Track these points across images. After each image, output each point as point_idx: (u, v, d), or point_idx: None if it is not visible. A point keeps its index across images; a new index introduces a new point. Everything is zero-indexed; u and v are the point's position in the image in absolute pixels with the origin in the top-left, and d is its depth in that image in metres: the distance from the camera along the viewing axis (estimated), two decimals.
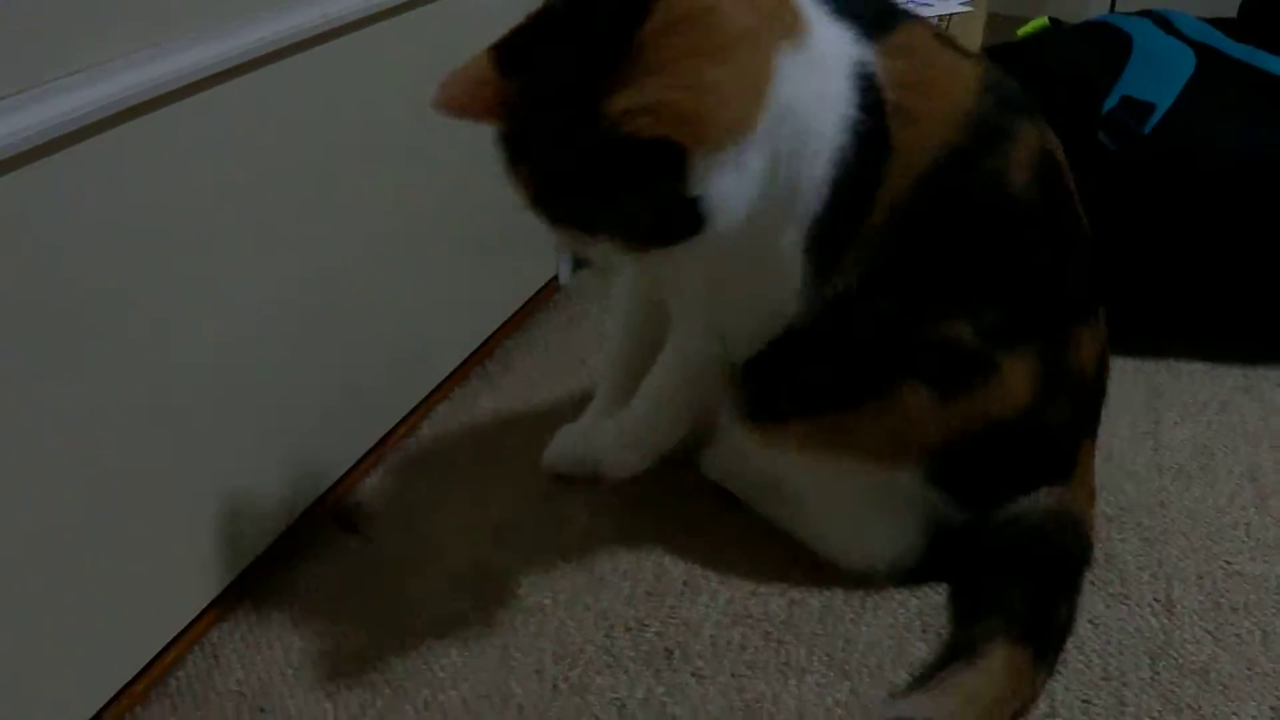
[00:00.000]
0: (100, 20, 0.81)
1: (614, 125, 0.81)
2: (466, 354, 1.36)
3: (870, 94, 0.92)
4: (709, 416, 1.08)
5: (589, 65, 0.83)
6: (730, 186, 0.85)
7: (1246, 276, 1.39)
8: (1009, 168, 0.97)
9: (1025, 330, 0.98)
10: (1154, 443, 1.27)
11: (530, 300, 1.47)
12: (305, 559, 1.09)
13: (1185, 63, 1.43)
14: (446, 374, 1.33)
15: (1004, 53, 1.65)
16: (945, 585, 1.06)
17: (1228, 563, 1.10)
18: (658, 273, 1.04)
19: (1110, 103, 1.38)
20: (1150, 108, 1.36)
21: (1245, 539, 1.13)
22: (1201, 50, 1.46)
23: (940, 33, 1.01)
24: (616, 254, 0.90)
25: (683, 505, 1.15)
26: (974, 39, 1.65)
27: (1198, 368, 1.40)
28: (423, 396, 1.29)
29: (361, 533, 1.12)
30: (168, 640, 0.96)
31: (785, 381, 0.99)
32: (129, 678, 0.92)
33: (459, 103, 0.86)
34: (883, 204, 0.93)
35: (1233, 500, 1.18)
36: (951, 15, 1.72)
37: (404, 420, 1.26)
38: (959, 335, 0.96)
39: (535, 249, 1.48)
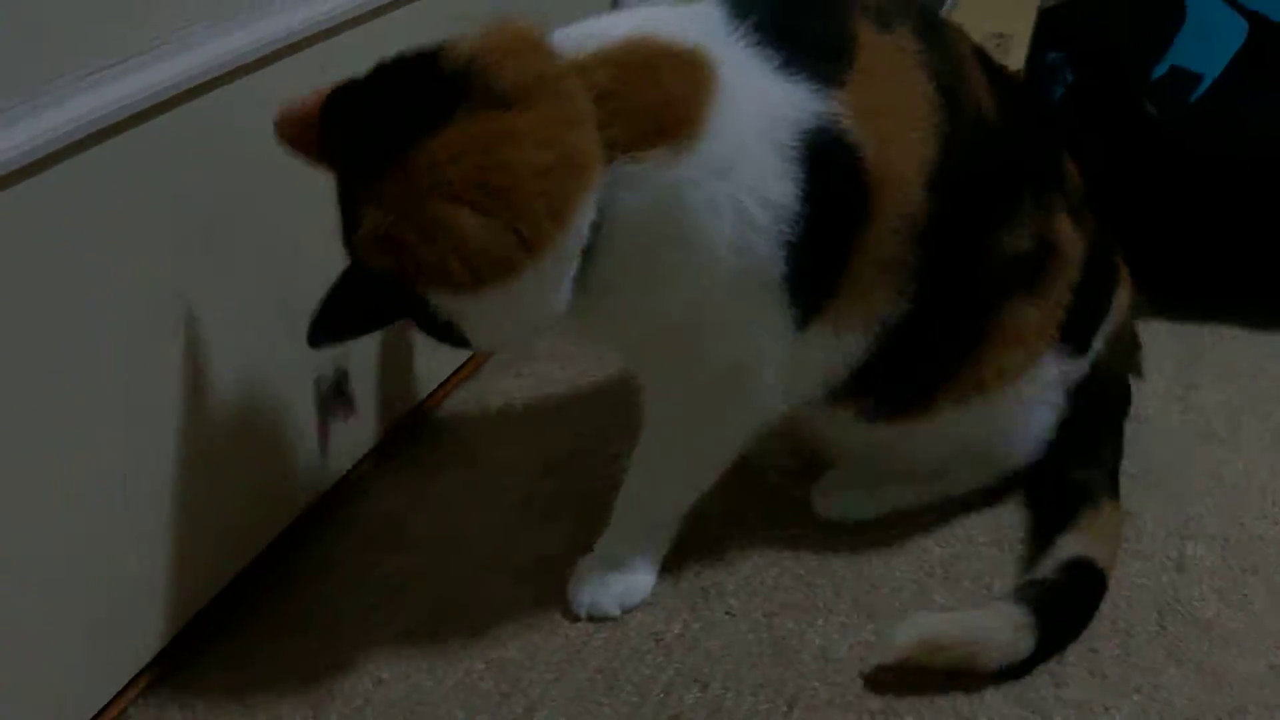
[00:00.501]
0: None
1: (357, 241, 0.82)
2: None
3: (829, 154, 0.89)
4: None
5: (367, 156, 0.81)
6: (491, 319, 0.85)
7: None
8: (979, 103, 0.99)
9: (1047, 201, 1.04)
10: (1183, 405, 1.32)
11: None
12: (366, 500, 1.19)
13: (1236, 33, 1.45)
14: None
15: (1060, 14, 1.67)
16: (963, 538, 1.13)
17: (1243, 524, 1.15)
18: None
19: (1159, 71, 1.41)
20: (1198, 79, 1.40)
21: (1263, 502, 1.18)
22: (1254, 20, 1.48)
23: (879, 12, 0.96)
24: None
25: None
26: None
27: (1236, 333, 1.44)
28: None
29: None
30: (146, 660, 0.98)
31: (903, 374, 1.02)
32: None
33: (287, 135, 0.87)
34: (883, 227, 0.93)
35: (1257, 464, 1.23)
36: None
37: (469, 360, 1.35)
38: (1014, 244, 1.01)
39: None
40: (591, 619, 1.04)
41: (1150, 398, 1.32)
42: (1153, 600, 1.07)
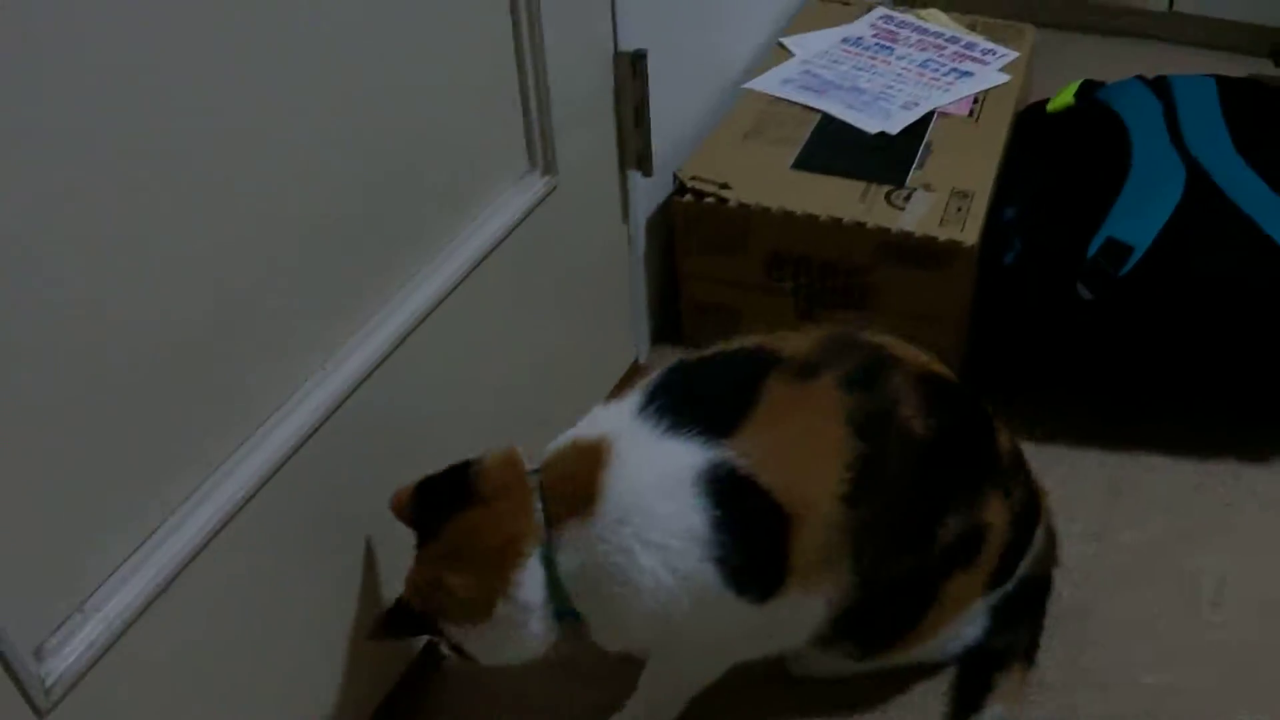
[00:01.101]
0: None
1: (407, 582, 1.19)
2: None
3: (731, 485, 1.14)
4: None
5: (426, 526, 1.18)
6: (488, 644, 1.18)
7: (1222, 389, 1.66)
8: (908, 428, 1.23)
9: (980, 491, 1.31)
10: (1100, 545, 1.56)
11: (618, 384, 1.72)
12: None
13: (1174, 188, 1.63)
14: None
15: (1029, 126, 1.87)
16: (903, 691, 1.41)
17: (1132, 675, 1.41)
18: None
19: (1096, 244, 1.60)
20: (1129, 250, 1.58)
21: (1157, 650, 1.42)
22: (1193, 172, 1.65)
23: (802, 367, 1.22)
24: None
25: None
26: (1004, 125, 1.84)
27: (1159, 461, 1.65)
28: None
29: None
30: None
31: (873, 628, 1.31)
32: None
33: (396, 509, 1.20)
34: (808, 535, 1.16)
35: (1160, 611, 1.46)
36: (986, 93, 1.91)
37: None
38: (948, 533, 1.28)
39: (614, 333, 1.77)
40: None
41: (1071, 538, 1.56)
42: None
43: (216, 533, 1.04)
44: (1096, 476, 1.66)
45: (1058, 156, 1.80)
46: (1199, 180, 1.65)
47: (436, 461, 1.20)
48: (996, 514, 1.33)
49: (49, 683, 0.91)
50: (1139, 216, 1.62)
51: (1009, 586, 1.40)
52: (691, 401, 1.19)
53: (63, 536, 0.91)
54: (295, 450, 1.11)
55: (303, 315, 1.11)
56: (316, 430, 1.14)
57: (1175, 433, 1.69)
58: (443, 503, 1.17)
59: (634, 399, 1.21)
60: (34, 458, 0.87)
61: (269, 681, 1.18)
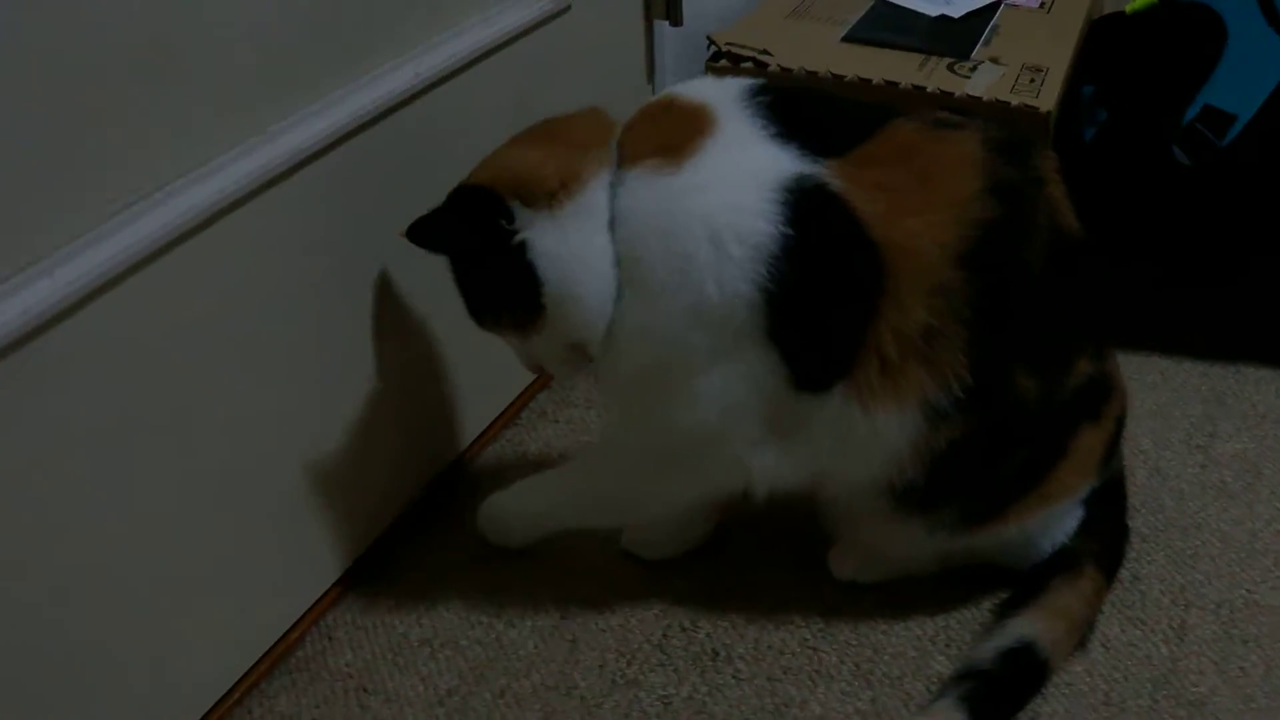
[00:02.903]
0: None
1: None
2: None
3: (815, 204, 0.97)
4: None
5: None
6: (553, 244, 1.01)
7: None
8: (1048, 216, 1.03)
9: (1102, 339, 1.10)
10: (1204, 456, 1.33)
11: None
12: (408, 546, 1.26)
13: (1276, 64, 1.43)
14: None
15: (1107, 30, 1.66)
16: (966, 604, 1.17)
17: (1248, 591, 1.17)
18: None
19: (1192, 111, 1.40)
20: (1231, 119, 1.38)
21: (1271, 567, 1.20)
22: None
23: (937, 118, 1.05)
24: (516, 343, 1.10)
25: (741, 510, 1.22)
26: (1079, 21, 1.65)
27: (1263, 374, 1.44)
28: (522, 388, 1.43)
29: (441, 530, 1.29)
30: (292, 622, 1.15)
31: (988, 491, 1.08)
32: (259, 655, 1.12)
33: None
34: (905, 300, 0.97)
35: (1269, 524, 1.25)
36: None
37: (505, 410, 1.41)
38: (1085, 370, 1.06)
39: None
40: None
41: (1170, 447, 1.34)
42: (1148, 673, 1.10)
43: (213, 219, 0.94)
44: (1197, 385, 1.43)
45: (1142, 47, 1.58)
46: None
47: None
48: (1118, 376, 1.12)
49: None
50: (1239, 87, 1.42)
51: (1109, 473, 1.16)
52: (796, 116, 1.02)
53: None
54: None
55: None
56: None
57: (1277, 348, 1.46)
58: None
59: (744, 86, 1.05)
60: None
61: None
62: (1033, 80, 1.45)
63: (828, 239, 0.97)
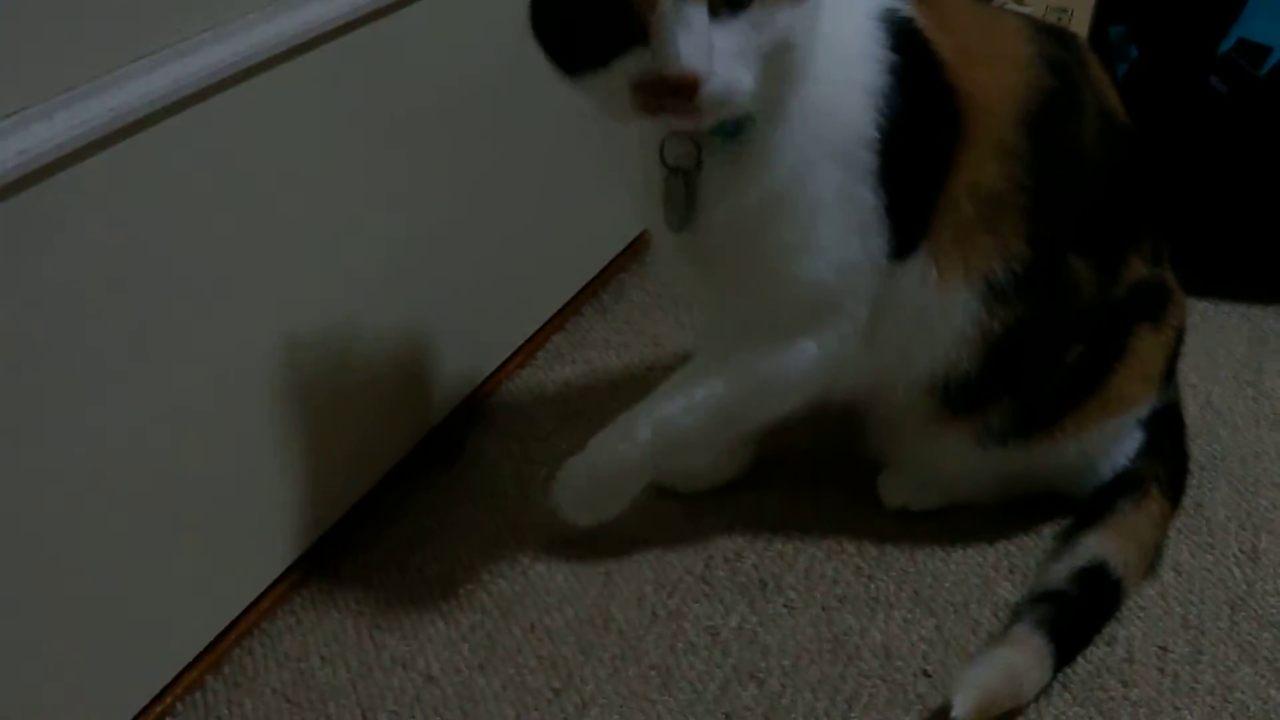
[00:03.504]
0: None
1: None
2: (581, 284, 1.41)
3: (909, 38, 0.91)
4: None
5: None
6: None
7: None
8: (1107, 100, 1.00)
9: (1157, 240, 1.04)
10: (1254, 391, 1.28)
11: (640, 236, 1.51)
12: (423, 485, 1.17)
13: None
14: (562, 304, 1.39)
15: None
16: (1027, 531, 1.10)
17: None
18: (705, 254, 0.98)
19: (1226, 45, 1.36)
20: (1267, 51, 1.34)
21: None
22: None
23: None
24: (613, 99, 0.81)
25: (782, 441, 1.16)
26: None
27: None
28: (537, 327, 1.35)
29: (454, 468, 1.19)
30: (294, 558, 1.05)
31: (1043, 391, 1.01)
32: (258, 593, 1.02)
33: None
34: (979, 154, 0.92)
35: None
36: None
37: (519, 350, 1.32)
38: (1141, 272, 1.01)
39: None
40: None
41: (1220, 383, 1.28)
42: (1225, 595, 1.03)
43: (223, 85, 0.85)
44: (1238, 326, 1.38)
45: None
46: None
47: None
48: (1176, 283, 1.06)
49: None
50: (1273, 19, 1.37)
51: (1168, 396, 1.10)
52: None
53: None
54: None
55: None
56: None
57: None
58: None
59: None
60: None
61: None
62: (1059, 18, 1.41)
63: (920, 76, 0.91)
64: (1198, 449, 1.17)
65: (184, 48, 0.83)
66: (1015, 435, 1.02)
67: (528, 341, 1.33)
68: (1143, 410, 1.06)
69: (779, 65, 0.83)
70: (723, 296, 1.00)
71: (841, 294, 0.94)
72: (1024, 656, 0.94)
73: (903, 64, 0.90)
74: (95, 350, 0.81)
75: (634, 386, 1.27)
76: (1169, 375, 1.08)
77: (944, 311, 0.95)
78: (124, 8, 0.79)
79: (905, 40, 0.91)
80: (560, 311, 1.39)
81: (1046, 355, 1.00)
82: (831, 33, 0.87)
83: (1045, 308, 0.97)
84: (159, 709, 0.93)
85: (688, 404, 1.00)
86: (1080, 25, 1.40)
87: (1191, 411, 1.21)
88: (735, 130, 0.88)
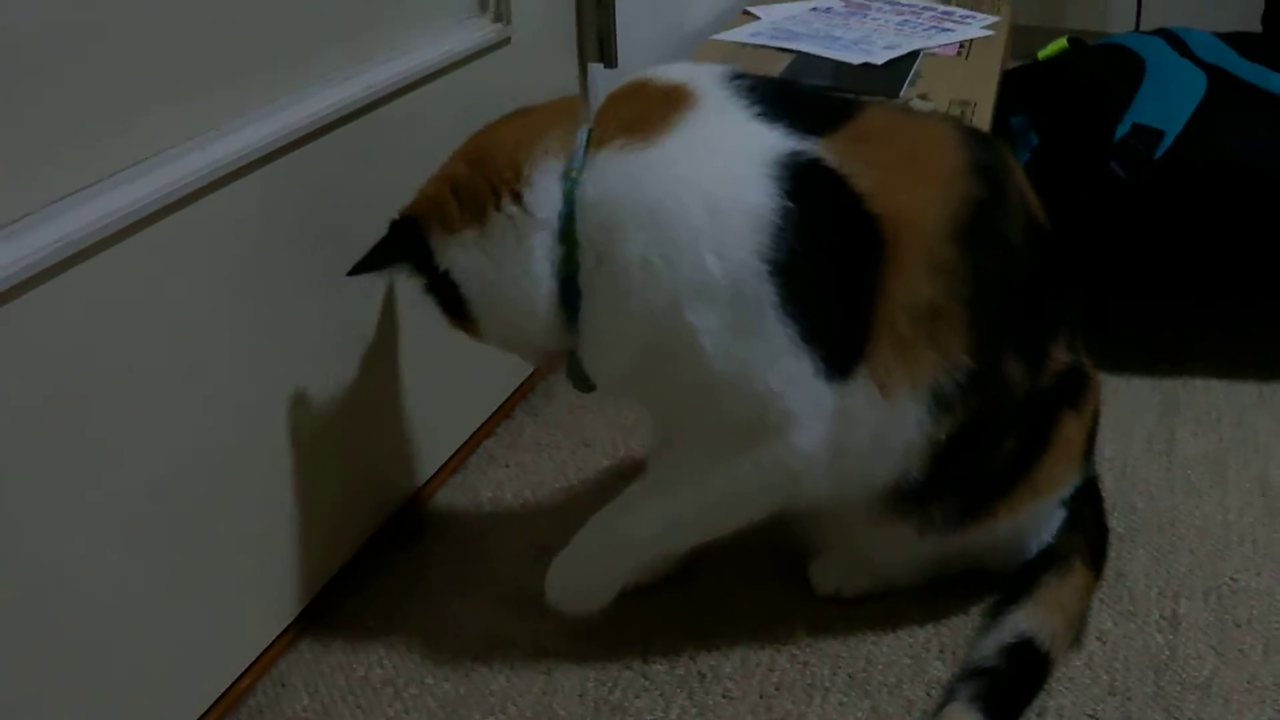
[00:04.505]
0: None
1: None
2: (511, 389, 1.44)
3: (815, 178, 0.93)
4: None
5: None
6: (475, 262, 0.97)
7: (1262, 283, 1.45)
8: (1030, 206, 1.04)
9: (1076, 330, 1.08)
10: (1167, 460, 1.33)
11: None
12: (362, 590, 1.18)
13: (1196, 85, 1.48)
14: (495, 408, 1.41)
15: (1024, 75, 1.70)
16: (956, 610, 1.13)
17: (1234, 578, 1.16)
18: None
19: (1122, 130, 1.43)
20: (1160, 134, 1.41)
21: (1252, 554, 1.18)
22: (1213, 72, 1.52)
23: (906, 106, 1.07)
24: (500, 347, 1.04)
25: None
26: (997, 63, 1.70)
27: (1212, 383, 1.46)
28: (469, 434, 1.37)
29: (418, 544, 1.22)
30: (240, 671, 1.05)
31: (975, 482, 1.04)
32: (206, 707, 1.02)
33: None
34: (911, 275, 0.94)
35: (1242, 514, 1.24)
36: (973, 40, 1.77)
37: (453, 456, 1.34)
38: (1062, 360, 1.05)
39: None
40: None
41: (1134, 454, 1.33)
42: (1149, 660, 1.07)
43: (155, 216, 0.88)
44: (1150, 396, 1.44)
45: (1067, 76, 1.63)
46: (1221, 76, 1.52)
47: None
48: (1090, 366, 1.11)
49: None
50: (1164, 104, 1.46)
51: (1087, 472, 1.14)
52: (778, 100, 0.98)
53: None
54: None
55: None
56: None
57: (1228, 355, 1.51)
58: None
59: (721, 70, 1.01)
60: None
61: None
62: (963, 111, 1.47)
63: (829, 211, 0.94)
64: (1116, 520, 1.22)
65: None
66: (954, 525, 1.06)
67: (461, 448, 1.36)
68: (1068, 489, 1.10)
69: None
70: (666, 424, 1.06)
71: (783, 409, 0.95)
72: None
73: (798, 206, 0.91)
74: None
75: (565, 488, 1.31)
76: (1088, 453, 1.13)
77: (896, 425, 0.97)
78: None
79: (807, 181, 0.93)
80: (491, 416, 1.41)
81: (985, 452, 1.03)
82: (709, 191, 0.91)
83: (986, 410, 0.99)
84: None
85: (643, 515, 1.04)
86: (983, 117, 1.46)
87: (1108, 483, 1.26)
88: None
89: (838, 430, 0.96)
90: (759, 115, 0.96)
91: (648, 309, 0.92)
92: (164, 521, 0.94)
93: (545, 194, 0.96)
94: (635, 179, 0.92)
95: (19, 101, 0.78)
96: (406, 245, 1.00)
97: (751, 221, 0.91)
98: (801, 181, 0.93)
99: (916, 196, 0.96)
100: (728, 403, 0.94)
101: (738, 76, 1.00)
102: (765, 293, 0.91)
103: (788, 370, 0.93)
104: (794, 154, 0.94)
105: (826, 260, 0.93)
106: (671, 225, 0.91)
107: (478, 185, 0.97)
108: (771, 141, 0.94)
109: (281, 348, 1.04)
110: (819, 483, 0.99)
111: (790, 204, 0.91)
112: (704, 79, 0.98)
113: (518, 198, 0.96)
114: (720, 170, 0.93)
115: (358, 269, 1.01)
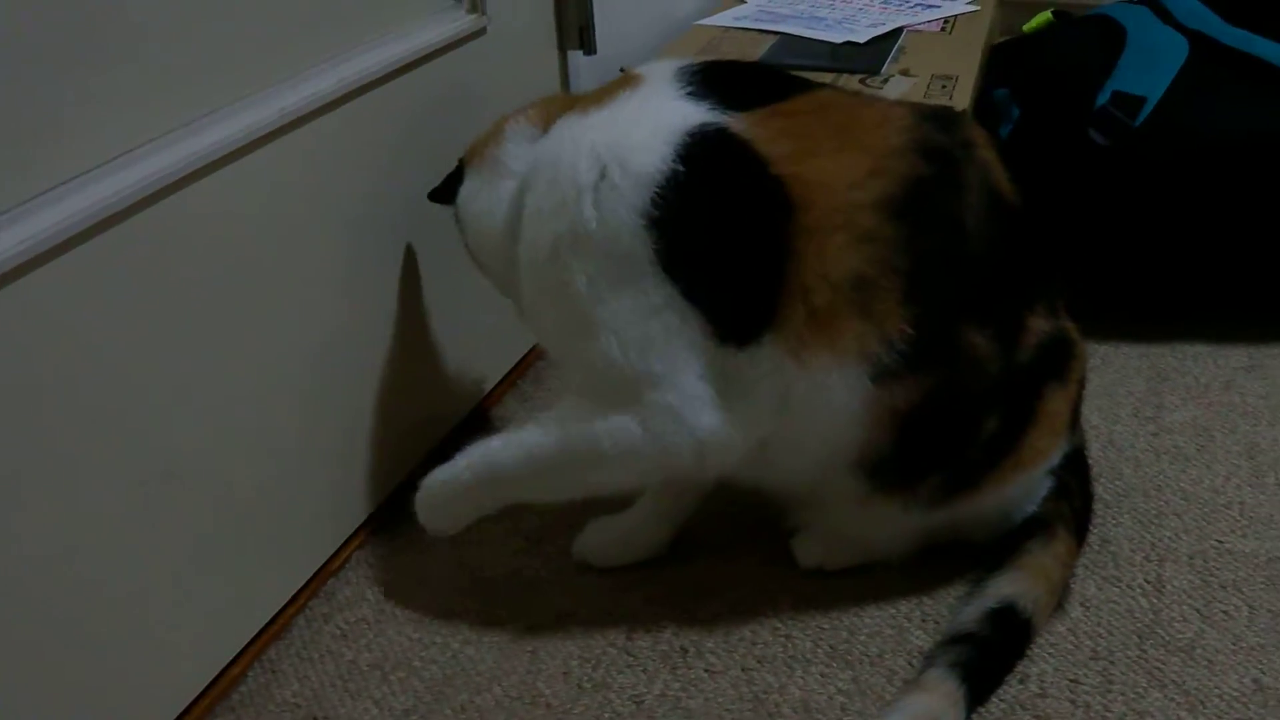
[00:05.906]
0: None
1: None
2: (502, 374, 1.45)
3: (708, 147, 0.98)
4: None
5: None
6: (470, 189, 1.14)
7: (1246, 254, 1.44)
8: (983, 179, 1.03)
9: (1054, 296, 1.08)
10: (1154, 426, 1.32)
11: None
12: (350, 578, 1.19)
13: (1178, 52, 1.48)
14: (483, 395, 1.43)
15: (1009, 50, 1.70)
16: (939, 580, 1.13)
17: (1219, 542, 1.15)
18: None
19: (1103, 98, 1.43)
20: (1141, 101, 1.41)
21: (1238, 517, 1.18)
22: (1195, 38, 1.51)
23: (863, 92, 1.11)
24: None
25: (696, 514, 1.20)
26: (980, 39, 1.69)
27: (1201, 349, 1.46)
28: (460, 418, 1.38)
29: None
30: (230, 658, 1.07)
31: (957, 459, 1.05)
32: (197, 693, 1.03)
33: None
34: (825, 241, 0.96)
35: (1229, 480, 1.24)
36: (957, 16, 1.77)
37: (442, 442, 1.36)
38: (1043, 328, 1.05)
39: None
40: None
41: (1120, 421, 1.33)
42: (1132, 625, 1.07)
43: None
44: (1137, 365, 1.44)
45: (1048, 48, 1.63)
46: (1203, 42, 1.52)
47: None
48: (1078, 336, 1.10)
49: None
50: (1145, 72, 1.46)
51: (1074, 441, 1.14)
52: (727, 80, 1.06)
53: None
54: None
55: None
56: None
57: (1217, 322, 1.50)
58: None
59: (683, 61, 1.08)
60: None
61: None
62: (944, 86, 1.48)
63: (720, 173, 0.98)
64: (1102, 487, 1.22)
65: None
66: (938, 500, 1.06)
67: (450, 432, 1.37)
68: (1054, 460, 1.10)
69: None
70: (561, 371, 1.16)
71: (644, 374, 0.98)
72: (937, 700, 0.97)
73: (687, 168, 0.97)
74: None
75: None
76: (1074, 423, 1.13)
77: (818, 389, 0.98)
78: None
79: (704, 148, 0.98)
80: (483, 401, 1.43)
81: (964, 426, 1.03)
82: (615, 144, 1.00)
83: (950, 380, 1.00)
84: None
85: (511, 441, 1.07)
86: (965, 91, 1.46)
87: (1095, 451, 1.26)
88: None
89: (736, 393, 0.99)
90: (688, 95, 1.02)
91: (534, 253, 1.03)
92: (158, 514, 0.95)
93: (518, 151, 1.11)
94: (560, 141, 1.04)
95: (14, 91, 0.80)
96: (454, 178, 1.17)
97: (635, 180, 0.97)
98: (698, 148, 0.98)
99: (835, 163, 0.97)
100: (606, 351, 0.99)
101: (700, 66, 1.06)
102: (641, 248, 0.97)
103: (669, 325, 0.97)
104: (702, 125, 0.99)
105: (718, 221, 0.97)
106: (562, 181, 1.00)
107: (486, 140, 1.14)
108: (685, 115, 1.00)
109: (278, 341, 1.06)
110: (743, 452, 1.02)
111: (680, 166, 0.97)
112: (660, 68, 1.07)
113: (500, 144, 1.12)
114: (624, 137, 1.00)
115: (432, 196, 1.20)
